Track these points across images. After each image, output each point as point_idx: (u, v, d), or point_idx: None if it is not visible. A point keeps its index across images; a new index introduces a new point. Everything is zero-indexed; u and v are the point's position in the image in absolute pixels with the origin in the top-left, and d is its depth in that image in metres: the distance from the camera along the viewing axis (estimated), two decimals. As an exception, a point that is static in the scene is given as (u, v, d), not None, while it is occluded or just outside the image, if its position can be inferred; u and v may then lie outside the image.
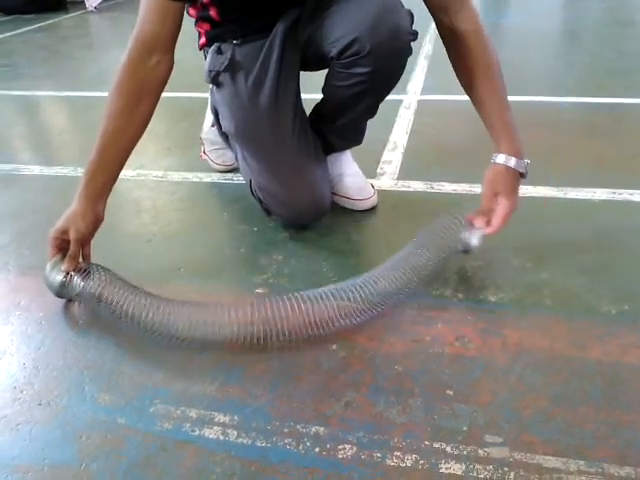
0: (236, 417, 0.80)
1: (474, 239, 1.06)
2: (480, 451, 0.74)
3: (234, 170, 1.53)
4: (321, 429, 0.78)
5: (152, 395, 0.85)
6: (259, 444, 0.76)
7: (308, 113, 1.26)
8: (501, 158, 1.05)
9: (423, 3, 1.07)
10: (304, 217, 1.24)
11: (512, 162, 1.05)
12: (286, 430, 0.78)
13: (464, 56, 1.06)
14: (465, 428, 0.77)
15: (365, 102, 1.19)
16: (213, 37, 1.21)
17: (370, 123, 1.31)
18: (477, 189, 1.38)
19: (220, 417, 0.81)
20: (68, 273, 1.00)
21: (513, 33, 3.15)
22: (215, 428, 0.79)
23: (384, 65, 1.10)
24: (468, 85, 1.09)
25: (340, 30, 1.09)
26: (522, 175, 1.07)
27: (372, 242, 1.27)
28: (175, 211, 1.40)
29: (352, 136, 1.32)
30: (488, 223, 1.06)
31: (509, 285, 1.05)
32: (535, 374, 0.85)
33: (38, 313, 1.04)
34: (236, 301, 1.01)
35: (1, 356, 0.94)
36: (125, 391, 0.86)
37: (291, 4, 1.16)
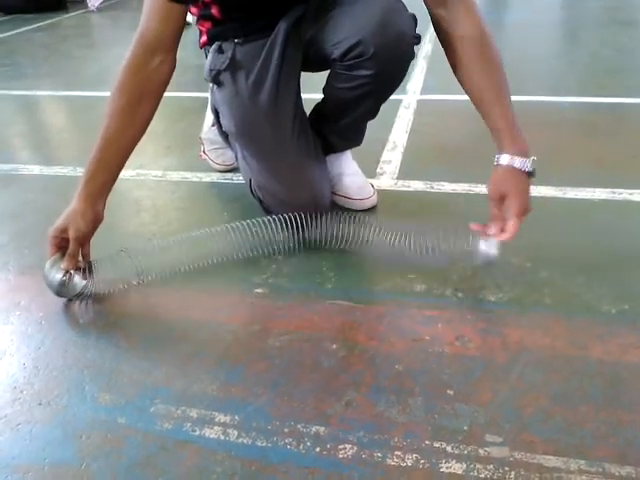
0: (237, 417, 0.80)
1: (492, 249, 1.03)
2: (481, 450, 0.74)
3: (234, 170, 1.53)
4: (321, 429, 0.78)
5: (152, 395, 0.85)
6: (259, 444, 0.76)
7: (308, 113, 1.26)
8: (504, 158, 1.01)
9: (422, 3, 1.06)
10: (304, 216, 1.24)
11: (516, 162, 1.00)
12: (286, 430, 0.78)
13: (462, 52, 1.04)
14: (466, 427, 0.77)
15: (366, 104, 1.18)
16: (214, 36, 1.21)
17: (370, 123, 1.31)
18: (477, 189, 1.38)
19: (221, 417, 0.80)
20: (67, 272, 1.00)
21: (513, 31, 3.15)
22: (216, 428, 0.79)
23: (387, 68, 1.09)
24: (467, 83, 1.06)
25: (344, 32, 1.08)
26: (530, 174, 1.01)
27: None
28: (175, 210, 1.40)
29: (352, 136, 1.32)
30: (501, 229, 1.01)
31: (509, 284, 1.05)
32: (535, 373, 0.85)
33: (38, 313, 1.04)
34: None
35: (1, 356, 0.94)
36: (125, 390, 0.86)
37: (294, 3, 1.15)
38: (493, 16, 3.48)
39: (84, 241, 1.03)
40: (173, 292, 1.06)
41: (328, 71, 1.18)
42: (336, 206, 1.32)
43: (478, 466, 0.72)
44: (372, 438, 0.76)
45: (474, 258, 1.06)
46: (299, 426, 0.78)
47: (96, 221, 1.04)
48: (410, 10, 1.10)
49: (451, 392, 0.83)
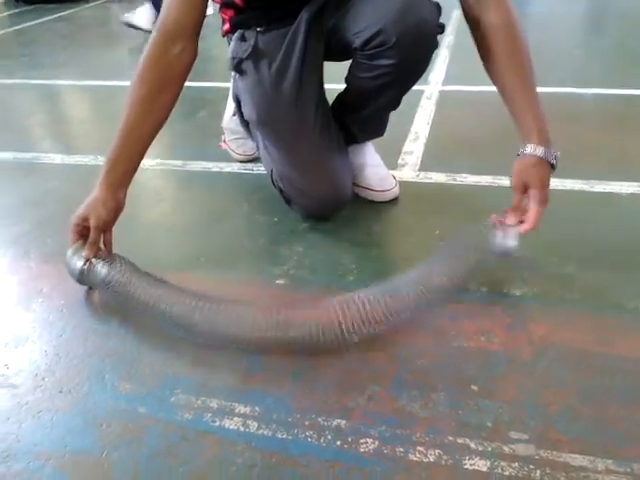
0: (257, 408, 0.80)
1: (510, 240, 1.00)
2: (505, 448, 0.72)
3: (254, 160, 1.52)
4: (343, 422, 0.77)
5: (173, 384, 0.84)
6: (280, 436, 0.76)
7: (330, 102, 1.25)
8: (529, 148, 1.00)
9: None
10: (325, 207, 1.23)
11: (540, 151, 0.99)
12: (307, 422, 0.77)
13: (490, 41, 1.03)
14: (490, 424, 0.76)
15: (388, 94, 1.17)
16: (237, 24, 1.20)
17: (391, 114, 1.29)
18: (500, 181, 1.36)
19: (241, 408, 0.80)
20: (88, 260, 1.00)
21: (536, 22, 3.10)
22: (236, 419, 0.78)
23: (409, 57, 1.07)
24: (494, 73, 1.05)
25: (365, 20, 1.06)
26: (552, 166, 1.01)
27: (393, 234, 1.25)
28: (195, 201, 1.39)
29: (374, 127, 1.31)
30: (521, 221, 1.00)
31: (534, 279, 1.03)
32: (561, 369, 0.84)
33: (59, 300, 1.04)
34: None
35: (23, 343, 0.95)
36: (146, 380, 0.86)
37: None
38: (517, 6, 3.42)
39: (105, 229, 1.03)
40: (193, 282, 1.06)
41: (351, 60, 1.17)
42: (358, 198, 1.31)
43: (502, 463, 0.70)
44: (394, 433, 0.75)
45: (492, 250, 1.03)
46: (320, 419, 0.78)
47: (117, 209, 1.04)
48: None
49: (475, 387, 0.81)
